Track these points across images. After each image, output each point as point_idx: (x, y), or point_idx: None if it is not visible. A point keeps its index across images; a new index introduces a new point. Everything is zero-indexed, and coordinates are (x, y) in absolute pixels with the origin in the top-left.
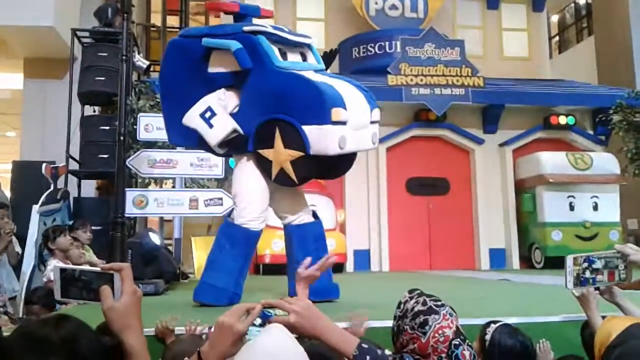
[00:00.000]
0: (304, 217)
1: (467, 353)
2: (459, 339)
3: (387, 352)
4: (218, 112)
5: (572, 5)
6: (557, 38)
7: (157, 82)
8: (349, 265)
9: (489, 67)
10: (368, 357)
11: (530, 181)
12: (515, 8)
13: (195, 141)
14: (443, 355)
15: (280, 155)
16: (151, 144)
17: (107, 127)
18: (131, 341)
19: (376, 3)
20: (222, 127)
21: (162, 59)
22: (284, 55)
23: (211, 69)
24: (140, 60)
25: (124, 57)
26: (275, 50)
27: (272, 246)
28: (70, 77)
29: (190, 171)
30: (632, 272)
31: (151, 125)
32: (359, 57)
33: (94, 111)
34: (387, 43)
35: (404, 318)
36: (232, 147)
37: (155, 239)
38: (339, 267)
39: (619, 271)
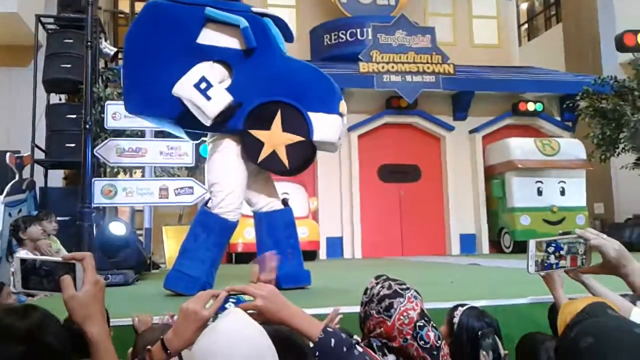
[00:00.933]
0: (274, 204)
1: (431, 334)
2: (423, 321)
3: (355, 337)
4: (214, 83)
5: None
6: (526, 25)
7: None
8: (322, 253)
9: (459, 55)
10: (333, 340)
11: (500, 167)
12: None
13: (157, 109)
14: (408, 337)
15: (277, 138)
16: (119, 133)
17: (74, 116)
18: (93, 331)
19: None
20: (221, 99)
21: (135, 19)
22: None
23: (201, 40)
24: (107, 47)
25: (89, 44)
26: (280, 35)
27: (245, 235)
28: (35, 64)
29: (159, 160)
30: (591, 257)
31: (119, 113)
32: (330, 44)
33: (60, 99)
34: (358, 30)
35: (370, 303)
36: (223, 122)
37: (119, 229)
38: (311, 255)
39: (580, 256)
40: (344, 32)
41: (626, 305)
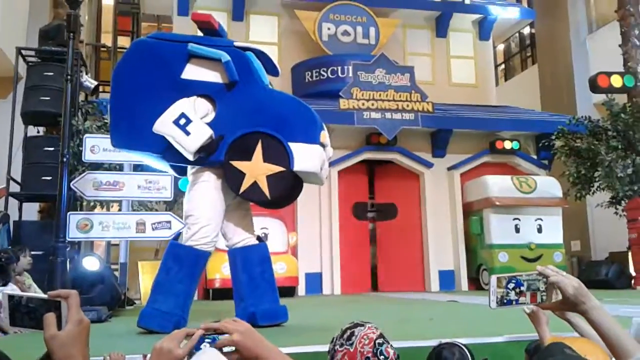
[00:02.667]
0: (249, 240)
1: (390, 350)
2: (382, 339)
3: None
4: (193, 118)
5: (517, 35)
6: (503, 66)
7: (107, 102)
8: (301, 289)
9: (438, 93)
10: None
11: (478, 204)
12: (463, 37)
13: (143, 144)
14: (369, 355)
15: (258, 168)
16: (97, 166)
17: (52, 148)
18: None
19: (329, 29)
20: (200, 133)
21: (123, 55)
22: None
23: (186, 75)
24: (88, 81)
25: (69, 77)
26: (263, 68)
27: (222, 270)
28: (14, 96)
29: (137, 194)
30: (553, 294)
31: (97, 146)
32: (312, 80)
33: (38, 132)
34: (339, 68)
35: (335, 341)
36: (205, 155)
37: (93, 264)
38: (290, 291)
39: (540, 292)
40: (325, 69)
41: (629, 346)
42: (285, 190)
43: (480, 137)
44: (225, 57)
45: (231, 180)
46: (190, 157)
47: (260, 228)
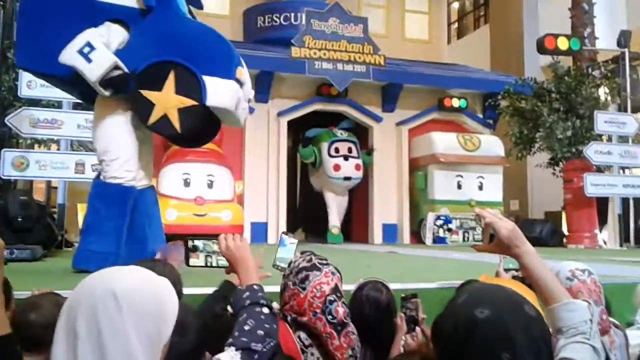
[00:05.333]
0: (146, 181)
1: (340, 310)
2: (334, 296)
3: (275, 305)
4: (97, 46)
5: None
6: (456, 24)
7: None
8: (246, 238)
9: (390, 47)
10: (247, 293)
11: (423, 160)
12: None
13: (48, 66)
14: (318, 310)
15: (169, 100)
16: (35, 103)
17: None
18: None
19: None
20: (102, 61)
21: None
22: None
23: None
24: None
25: (2, 3)
26: None
27: (166, 216)
28: None
29: (77, 133)
30: (490, 236)
31: (35, 81)
32: (264, 26)
33: None
34: (292, 14)
35: (289, 275)
36: (115, 87)
37: (26, 202)
38: None
39: (473, 232)
40: (277, 15)
41: (558, 292)
42: (198, 127)
43: (429, 94)
44: None
45: (140, 109)
46: (97, 90)
47: (206, 175)
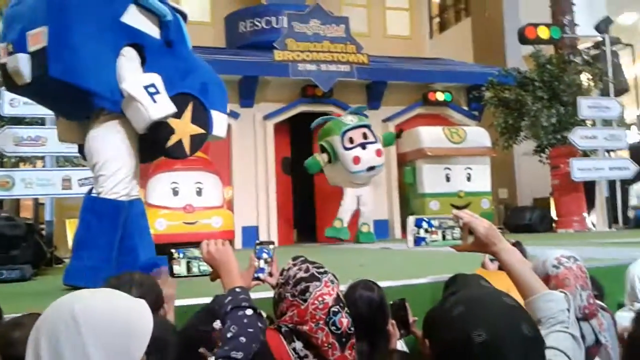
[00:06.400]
0: (135, 193)
1: (344, 320)
2: (337, 306)
3: (261, 312)
4: (161, 91)
5: None
6: (438, 19)
7: None
8: (237, 242)
9: (373, 45)
10: (229, 297)
11: (411, 154)
12: None
13: (86, 81)
14: (321, 322)
15: (186, 127)
16: (18, 121)
17: None
18: None
19: None
20: (165, 107)
21: None
22: None
23: (125, 20)
24: None
25: None
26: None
27: (156, 225)
28: None
29: (61, 149)
30: (468, 237)
31: (17, 99)
32: (246, 31)
33: None
34: (274, 18)
35: (286, 285)
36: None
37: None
38: None
39: (452, 231)
40: (259, 19)
41: (535, 285)
42: (197, 150)
43: (413, 89)
44: (170, 15)
45: (160, 134)
46: (142, 125)
47: (194, 183)
